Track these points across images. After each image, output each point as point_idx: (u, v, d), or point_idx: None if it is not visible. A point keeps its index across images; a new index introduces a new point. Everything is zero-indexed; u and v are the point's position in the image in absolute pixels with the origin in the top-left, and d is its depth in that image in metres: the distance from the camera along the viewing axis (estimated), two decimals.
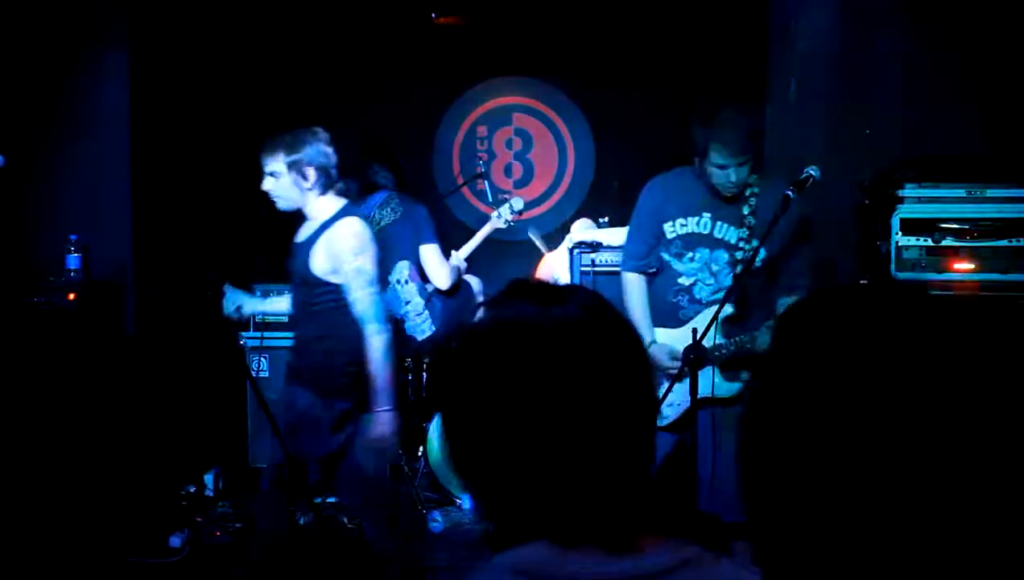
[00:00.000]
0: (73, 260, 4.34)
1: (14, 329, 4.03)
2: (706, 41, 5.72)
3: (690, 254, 3.37)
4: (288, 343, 5.48)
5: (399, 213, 4.46)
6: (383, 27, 5.96)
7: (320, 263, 3.24)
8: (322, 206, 3.30)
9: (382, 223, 4.44)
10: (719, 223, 3.34)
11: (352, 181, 4.65)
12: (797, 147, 4.01)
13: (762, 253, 3.24)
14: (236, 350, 4.77)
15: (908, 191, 3.67)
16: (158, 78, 4.82)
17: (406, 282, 4.47)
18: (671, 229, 3.40)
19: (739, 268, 3.26)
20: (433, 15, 6.04)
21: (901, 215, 3.67)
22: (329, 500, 4.43)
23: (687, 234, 3.38)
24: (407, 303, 4.50)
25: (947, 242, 3.65)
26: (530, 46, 6.11)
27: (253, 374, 4.80)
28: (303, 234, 3.35)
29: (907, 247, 3.67)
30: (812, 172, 3.19)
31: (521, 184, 6.37)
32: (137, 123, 4.66)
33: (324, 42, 5.91)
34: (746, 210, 3.31)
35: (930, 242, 3.65)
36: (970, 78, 4.02)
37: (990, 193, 3.65)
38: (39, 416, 3.90)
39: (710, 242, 3.35)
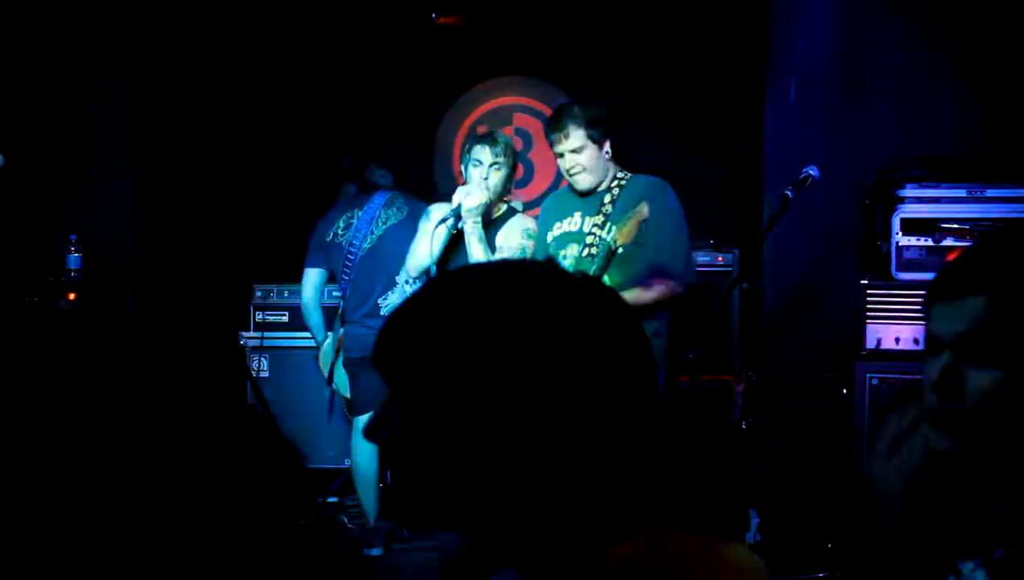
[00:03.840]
0: (73, 260, 4.34)
1: (13, 330, 4.03)
2: (706, 41, 5.72)
3: (563, 252, 3.42)
4: (288, 343, 5.46)
5: (404, 213, 4.45)
6: (383, 27, 5.96)
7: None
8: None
9: (389, 222, 4.44)
10: (586, 218, 3.42)
11: (351, 183, 4.65)
12: (797, 147, 4.01)
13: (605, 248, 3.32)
14: (236, 350, 4.77)
15: (908, 191, 3.67)
16: (158, 77, 4.82)
17: (414, 282, 4.45)
18: (551, 236, 3.51)
19: (596, 257, 3.29)
20: (433, 15, 6.04)
21: (901, 215, 3.66)
22: (330, 500, 4.43)
23: (560, 235, 3.47)
24: None
25: (947, 242, 3.64)
26: (530, 46, 6.11)
27: (253, 374, 4.80)
28: None
29: (907, 247, 3.67)
30: (812, 172, 3.19)
31: (521, 184, 6.36)
32: (137, 122, 4.66)
33: (324, 42, 5.91)
34: (607, 198, 3.40)
35: (930, 242, 3.65)
36: (969, 78, 4.01)
37: (990, 193, 3.65)
38: (39, 417, 3.90)
39: (580, 237, 3.40)
